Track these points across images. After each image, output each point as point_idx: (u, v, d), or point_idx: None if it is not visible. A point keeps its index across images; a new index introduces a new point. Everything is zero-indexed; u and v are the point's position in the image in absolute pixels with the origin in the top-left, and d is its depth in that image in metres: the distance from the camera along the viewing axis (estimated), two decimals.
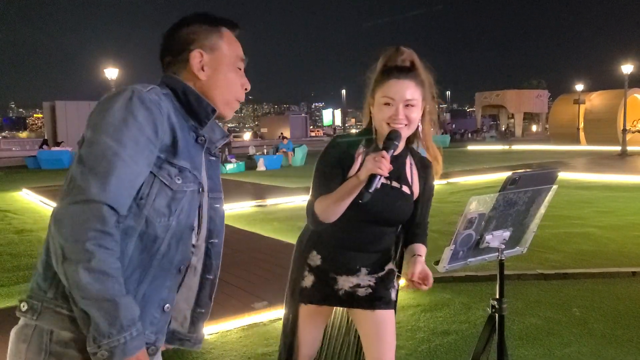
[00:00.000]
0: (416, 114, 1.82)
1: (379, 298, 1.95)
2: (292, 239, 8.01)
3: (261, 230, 7.67)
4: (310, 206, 1.86)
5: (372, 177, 1.64)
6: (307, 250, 2.00)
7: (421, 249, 2.01)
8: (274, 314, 4.21)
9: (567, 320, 4.00)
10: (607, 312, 4.17)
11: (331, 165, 1.87)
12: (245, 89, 1.47)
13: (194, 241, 1.38)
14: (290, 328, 2.04)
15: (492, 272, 4.76)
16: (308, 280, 1.97)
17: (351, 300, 1.95)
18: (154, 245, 1.25)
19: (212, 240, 1.42)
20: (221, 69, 1.39)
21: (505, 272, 2.03)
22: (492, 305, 2.02)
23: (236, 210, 9.86)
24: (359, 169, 1.80)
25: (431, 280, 1.86)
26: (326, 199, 1.80)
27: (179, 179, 1.27)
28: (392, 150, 1.73)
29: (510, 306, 3.87)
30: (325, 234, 1.95)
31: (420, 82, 1.83)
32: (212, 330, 3.96)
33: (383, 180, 1.68)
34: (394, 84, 1.79)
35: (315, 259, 1.97)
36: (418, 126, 1.89)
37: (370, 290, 1.95)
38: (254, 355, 3.58)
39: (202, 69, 1.37)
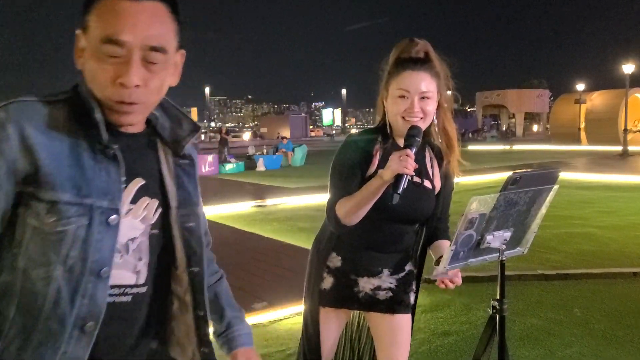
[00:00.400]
0: (432, 106, 1.77)
1: (399, 302, 1.91)
2: (292, 239, 8.01)
3: (261, 231, 7.66)
4: (332, 209, 1.78)
5: (399, 177, 1.57)
6: (326, 252, 1.93)
7: (446, 245, 1.94)
8: (274, 315, 4.20)
9: (568, 321, 3.99)
10: (608, 312, 4.15)
11: (348, 165, 1.81)
12: (123, 84, 0.99)
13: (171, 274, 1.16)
14: (313, 330, 1.98)
15: (492, 272, 4.75)
16: (327, 282, 1.91)
17: (371, 303, 1.91)
18: (35, 302, 0.99)
19: (191, 269, 1.17)
20: (88, 55, 1.02)
21: (506, 273, 2.02)
22: (492, 305, 2.01)
23: (236, 211, 9.85)
24: (377, 167, 1.76)
25: (460, 278, 1.84)
26: (348, 201, 1.73)
27: (50, 217, 0.98)
28: (415, 148, 1.64)
29: (511, 307, 3.84)
30: (344, 235, 1.89)
31: (435, 73, 1.77)
32: (211, 330, 3.95)
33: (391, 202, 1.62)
34: (409, 75, 1.73)
35: (334, 260, 1.92)
36: (434, 119, 1.84)
37: (390, 294, 1.90)
38: None
39: (80, 56, 1.05)
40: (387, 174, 1.60)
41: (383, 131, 1.85)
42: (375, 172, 1.77)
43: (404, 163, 1.56)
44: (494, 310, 2.00)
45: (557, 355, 3.44)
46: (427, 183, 1.88)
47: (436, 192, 1.92)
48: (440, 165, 1.92)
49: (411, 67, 1.74)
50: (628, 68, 22.89)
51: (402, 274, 1.94)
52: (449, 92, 1.88)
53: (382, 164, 1.74)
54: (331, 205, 1.79)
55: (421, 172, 1.86)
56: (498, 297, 2.00)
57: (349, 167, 1.80)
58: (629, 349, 3.50)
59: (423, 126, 1.77)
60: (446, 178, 1.93)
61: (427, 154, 1.92)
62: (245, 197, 11.07)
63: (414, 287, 1.98)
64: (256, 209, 10.01)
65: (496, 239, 1.91)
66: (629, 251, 6.02)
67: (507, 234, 1.93)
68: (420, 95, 1.73)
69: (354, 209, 1.72)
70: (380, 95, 1.85)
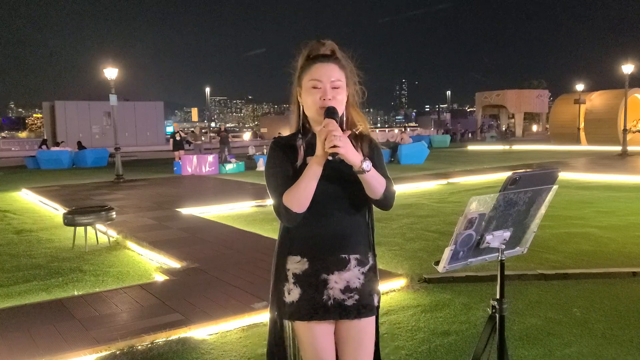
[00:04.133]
0: (341, 96, 1.87)
1: (364, 306, 1.91)
2: None
3: (261, 231, 7.67)
4: (279, 205, 1.85)
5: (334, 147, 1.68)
6: (285, 258, 1.94)
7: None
8: None
9: (568, 321, 4.00)
10: (607, 312, 4.16)
11: (279, 164, 1.89)
12: None
13: None
14: (280, 342, 1.98)
15: (492, 272, 4.76)
16: (294, 293, 1.89)
17: (339, 310, 1.89)
18: None
19: None
20: None
21: (506, 273, 2.03)
22: (492, 305, 2.01)
23: (236, 211, 9.86)
24: (304, 157, 1.85)
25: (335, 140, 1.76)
26: (293, 189, 1.80)
27: None
28: (337, 119, 1.77)
29: (511, 306, 3.84)
30: (299, 234, 1.91)
31: (342, 66, 1.90)
32: (212, 330, 3.96)
33: (330, 158, 1.72)
34: (320, 66, 1.86)
35: (299, 264, 1.90)
36: (344, 115, 1.93)
37: (357, 297, 1.89)
38: (254, 355, 3.57)
39: None
40: (319, 149, 1.72)
41: (303, 127, 1.94)
42: (304, 162, 1.85)
43: (334, 132, 1.68)
44: (494, 310, 2.01)
45: (557, 354, 3.45)
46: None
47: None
48: (361, 145, 1.96)
49: (321, 60, 1.87)
50: (627, 68, 22.85)
51: (368, 267, 1.94)
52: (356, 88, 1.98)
53: (308, 153, 1.84)
54: (278, 202, 1.85)
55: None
56: (497, 297, 2.01)
57: (280, 166, 1.89)
58: (628, 349, 3.51)
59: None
60: (369, 148, 1.96)
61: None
62: (245, 197, 11.07)
63: (376, 287, 1.98)
64: (256, 209, 10.01)
65: (496, 238, 1.91)
66: (628, 251, 6.02)
67: (507, 234, 1.94)
68: (331, 85, 1.85)
69: (301, 193, 1.79)
70: (295, 94, 1.95)
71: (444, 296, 4.59)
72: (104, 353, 3.56)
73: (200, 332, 3.92)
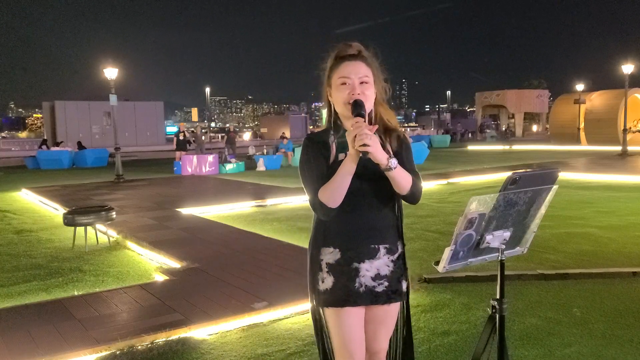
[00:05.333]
0: (370, 91, 1.95)
1: (394, 291, 2.02)
2: (292, 239, 8.02)
3: (261, 230, 7.67)
4: (315, 200, 1.91)
5: (364, 146, 1.73)
6: (318, 249, 2.03)
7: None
8: (274, 314, 4.21)
9: (568, 321, 4.00)
10: (607, 312, 4.16)
11: (313, 160, 1.96)
12: None
13: None
14: (320, 331, 2.10)
15: (492, 272, 4.76)
16: (327, 282, 2.00)
17: (371, 297, 1.99)
18: None
19: None
20: None
21: (506, 273, 2.03)
22: (492, 305, 2.02)
23: (236, 211, 9.86)
24: (336, 154, 1.92)
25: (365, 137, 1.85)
26: (328, 186, 1.88)
27: None
28: (364, 115, 1.84)
29: (511, 306, 3.84)
30: (333, 226, 1.99)
31: (369, 64, 1.98)
32: (212, 330, 3.96)
33: (360, 156, 1.80)
34: (347, 64, 1.95)
35: (331, 255, 1.99)
36: (372, 110, 1.99)
37: (387, 283, 2.00)
38: (254, 355, 3.57)
39: None
40: (350, 149, 1.78)
41: (334, 124, 2.02)
42: (336, 158, 1.93)
43: (363, 131, 1.74)
44: (494, 310, 2.01)
45: (557, 354, 3.45)
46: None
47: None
48: (390, 141, 2.04)
49: (349, 59, 1.97)
50: (627, 68, 22.84)
51: (397, 255, 2.04)
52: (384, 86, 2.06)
53: (340, 149, 1.93)
54: (313, 197, 1.92)
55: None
56: (497, 297, 2.01)
57: (314, 162, 1.96)
58: (628, 349, 3.51)
59: (366, 105, 1.93)
60: (398, 144, 2.03)
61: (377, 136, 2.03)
62: (246, 197, 11.07)
63: (405, 273, 2.08)
64: (256, 209, 10.01)
65: (496, 238, 1.92)
66: (628, 251, 6.02)
67: (507, 234, 1.94)
68: (359, 80, 1.93)
69: (336, 190, 1.87)
70: (325, 93, 2.04)
71: (444, 296, 4.59)
72: (104, 353, 3.56)
73: (200, 332, 3.92)
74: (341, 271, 1.98)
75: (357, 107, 1.85)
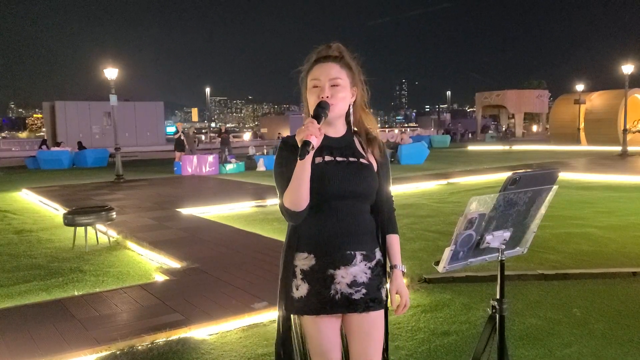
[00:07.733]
0: (342, 94, 1.91)
1: (372, 299, 1.95)
2: None
3: (261, 231, 7.67)
4: (282, 204, 1.89)
5: (304, 144, 1.70)
6: (291, 255, 1.96)
7: (395, 248, 2.07)
8: (274, 315, 4.20)
9: (568, 321, 4.00)
10: (607, 312, 4.16)
11: (285, 163, 1.92)
12: None
13: None
14: (286, 341, 2.01)
15: (492, 272, 4.76)
16: (302, 289, 1.93)
17: (347, 304, 1.92)
18: None
19: None
20: None
21: (506, 273, 2.03)
22: (492, 305, 2.02)
23: (236, 211, 9.86)
24: (313, 158, 1.87)
25: (408, 301, 2.05)
26: (288, 190, 1.85)
27: None
28: (323, 117, 1.80)
29: (511, 306, 3.84)
30: (306, 232, 1.93)
31: (345, 64, 1.94)
32: (212, 330, 3.96)
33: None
34: (320, 66, 1.92)
35: (306, 260, 1.93)
36: (350, 113, 1.98)
37: (364, 291, 1.93)
38: (254, 355, 3.57)
39: None
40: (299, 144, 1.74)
41: None
42: (312, 162, 1.88)
43: (307, 130, 1.71)
44: (494, 310, 2.01)
45: (557, 355, 3.45)
46: (363, 160, 1.98)
47: (375, 169, 2.00)
48: (370, 148, 2.03)
49: (322, 61, 1.94)
50: (627, 68, 22.84)
51: (374, 262, 1.97)
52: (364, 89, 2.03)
53: (316, 153, 1.87)
54: (280, 201, 1.89)
55: (354, 152, 1.98)
56: (498, 297, 2.01)
57: (285, 165, 1.92)
58: (628, 349, 3.51)
59: (335, 110, 1.90)
60: (380, 156, 2.03)
61: (356, 140, 2.03)
62: (246, 197, 11.08)
63: (385, 281, 2.02)
64: (256, 209, 10.01)
65: (496, 238, 1.92)
66: (628, 251, 6.02)
67: (507, 234, 1.94)
68: (330, 83, 1.89)
69: (295, 193, 1.82)
70: (303, 95, 2.01)
71: (444, 296, 4.59)
72: (104, 353, 3.56)
73: (201, 332, 3.92)
74: (316, 278, 1.91)
75: (317, 109, 1.82)
